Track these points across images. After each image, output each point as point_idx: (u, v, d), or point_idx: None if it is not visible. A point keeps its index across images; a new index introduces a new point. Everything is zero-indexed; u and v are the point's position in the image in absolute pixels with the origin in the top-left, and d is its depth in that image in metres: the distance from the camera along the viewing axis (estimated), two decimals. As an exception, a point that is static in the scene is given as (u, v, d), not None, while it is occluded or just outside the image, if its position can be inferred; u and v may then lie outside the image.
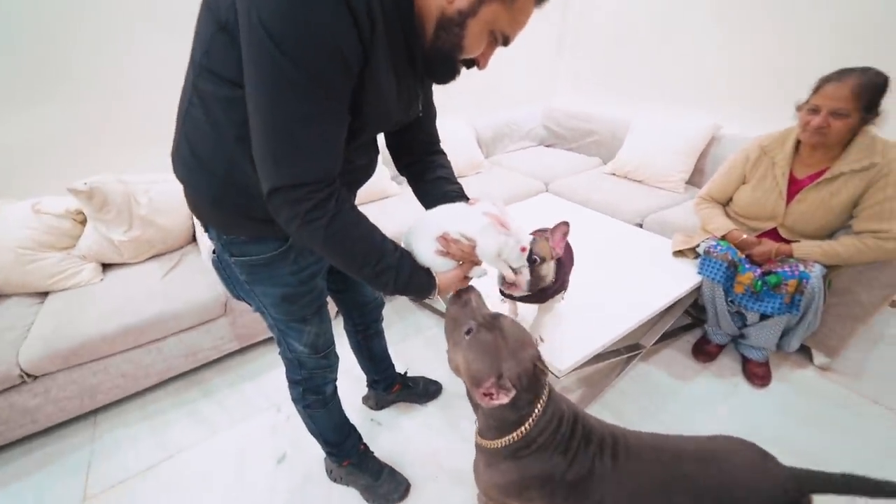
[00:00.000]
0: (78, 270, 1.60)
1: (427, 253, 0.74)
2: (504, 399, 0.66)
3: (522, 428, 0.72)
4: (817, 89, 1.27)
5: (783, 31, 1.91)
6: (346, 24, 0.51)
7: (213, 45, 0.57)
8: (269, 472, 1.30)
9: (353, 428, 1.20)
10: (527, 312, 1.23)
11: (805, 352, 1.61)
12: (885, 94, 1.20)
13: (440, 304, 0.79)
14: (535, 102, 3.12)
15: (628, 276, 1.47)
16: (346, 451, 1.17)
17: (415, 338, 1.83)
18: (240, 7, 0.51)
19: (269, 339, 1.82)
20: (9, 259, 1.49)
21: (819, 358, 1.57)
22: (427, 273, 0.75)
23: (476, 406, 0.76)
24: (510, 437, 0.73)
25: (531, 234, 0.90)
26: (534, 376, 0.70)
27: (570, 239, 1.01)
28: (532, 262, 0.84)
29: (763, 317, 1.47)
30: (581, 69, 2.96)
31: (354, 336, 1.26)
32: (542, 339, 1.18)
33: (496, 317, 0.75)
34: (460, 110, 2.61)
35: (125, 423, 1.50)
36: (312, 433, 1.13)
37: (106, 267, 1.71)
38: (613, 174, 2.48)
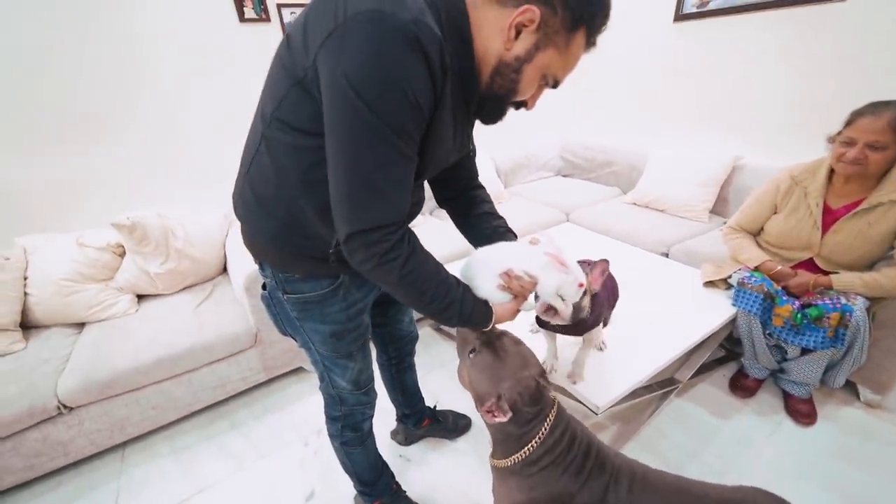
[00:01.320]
0: (114, 302, 1.64)
1: (489, 287, 0.76)
2: (503, 418, 0.70)
3: (529, 446, 0.73)
4: (850, 122, 1.28)
5: (800, 64, 1.94)
6: (424, 78, 0.54)
7: (287, 99, 0.60)
8: (298, 511, 1.27)
9: (386, 466, 1.17)
10: (565, 354, 1.22)
11: (851, 388, 1.54)
12: None
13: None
14: (551, 134, 3.18)
15: (660, 308, 1.44)
16: (379, 489, 1.14)
17: (440, 370, 1.80)
18: (323, 66, 0.54)
19: (294, 371, 1.81)
20: (51, 291, 1.54)
21: (866, 394, 1.50)
22: (485, 305, 0.76)
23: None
24: (517, 455, 0.74)
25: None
26: (537, 391, 0.72)
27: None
28: None
29: (804, 351, 1.42)
30: (597, 101, 3.03)
31: (388, 370, 1.25)
32: (583, 378, 1.16)
33: (500, 335, 0.78)
34: (480, 142, 2.68)
35: (152, 457, 1.49)
36: (347, 471, 1.11)
37: (140, 298, 1.75)
38: (634, 204, 2.47)
